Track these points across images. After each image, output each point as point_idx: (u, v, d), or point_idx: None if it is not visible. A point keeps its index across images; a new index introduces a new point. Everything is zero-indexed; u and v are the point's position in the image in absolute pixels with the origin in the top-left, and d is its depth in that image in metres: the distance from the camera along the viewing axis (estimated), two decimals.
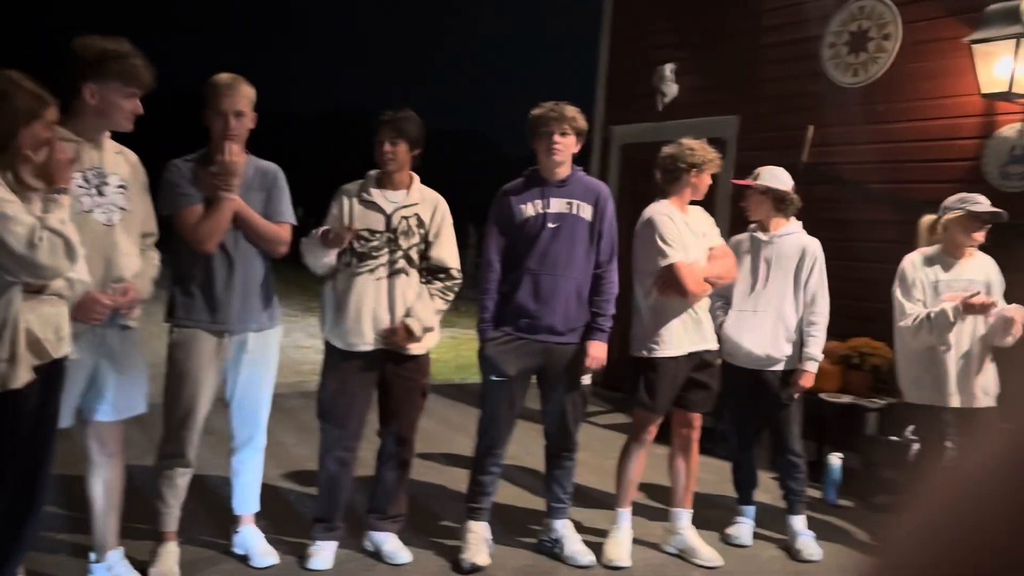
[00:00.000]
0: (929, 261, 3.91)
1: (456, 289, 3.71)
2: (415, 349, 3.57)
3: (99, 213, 2.89)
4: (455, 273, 3.68)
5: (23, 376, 2.44)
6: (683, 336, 3.77)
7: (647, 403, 3.81)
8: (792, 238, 4.05)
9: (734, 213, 6.40)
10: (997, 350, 3.84)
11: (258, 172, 3.41)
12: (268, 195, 3.40)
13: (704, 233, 3.89)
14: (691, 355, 3.81)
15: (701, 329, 3.83)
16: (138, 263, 3.01)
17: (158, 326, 3.31)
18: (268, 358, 3.46)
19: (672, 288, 3.70)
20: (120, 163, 3.02)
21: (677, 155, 3.85)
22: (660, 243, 3.71)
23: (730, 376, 4.06)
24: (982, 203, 3.82)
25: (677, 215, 3.82)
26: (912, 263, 3.92)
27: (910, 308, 3.84)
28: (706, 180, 3.86)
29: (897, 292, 3.92)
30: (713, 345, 3.89)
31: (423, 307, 3.57)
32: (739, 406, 4.17)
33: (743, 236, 4.17)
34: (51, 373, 2.61)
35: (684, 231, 3.80)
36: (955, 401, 3.80)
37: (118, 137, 3.07)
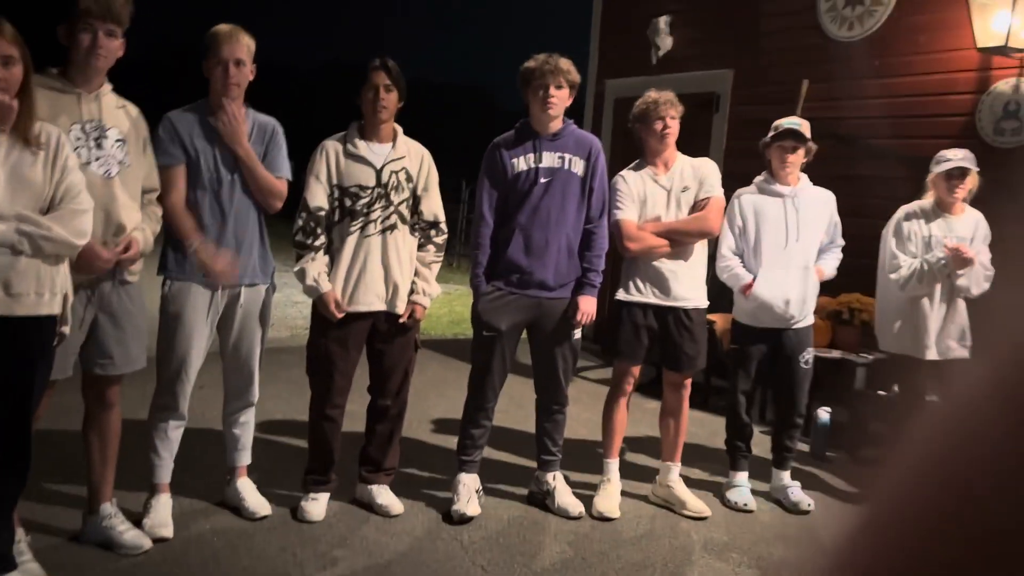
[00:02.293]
0: (924, 215, 3.97)
1: (445, 243, 3.70)
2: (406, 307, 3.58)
3: (97, 166, 2.86)
4: (444, 227, 3.68)
5: None
6: (644, 287, 3.80)
7: (612, 348, 3.91)
8: (815, 191, 4.03)
9: (727, 169, 6.38)
10: (971, 303, 3.97)
11: (256, 125, 3.38)
12: (265, 149, 3.37)
13: (686, 187, 3.85)
14: (658, 309, 3.81)
15: (667, 285, 3.80)
16: (138, 217, 3.00)
17: (153, 280, 3.30)
18: (261, 313, 3.45)
19: (615, 243, 3.76)
20: (120, 117, 2.99)
21: (631, 114, 3.86)
22: (612, 202, 3.78)
23: (748, 337, 4.04)
24: (952, 159, 3.88)
25: (638, 175, 3.83)
26: (908, 216, 3.98)
27: (903, 259, 3.92)
28: (659, 128, 3.76)
29: (892, 243, 3.99)
30: (688, 304, 3.84)
31: (426, 278, 3.59)
32: (750, 370, 4.09)
33: (753, 192, 4.03)
34: (20, 329, 2.55)
35: (647, 188, 3.81)
36: (931, 354, 3.94)
37: (123, 91, 3.04)
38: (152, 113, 3.20)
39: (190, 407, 3.40)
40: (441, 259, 3.70)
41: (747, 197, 4.03)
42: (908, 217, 3.98)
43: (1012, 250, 0.34)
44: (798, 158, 3.93)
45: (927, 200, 4.01)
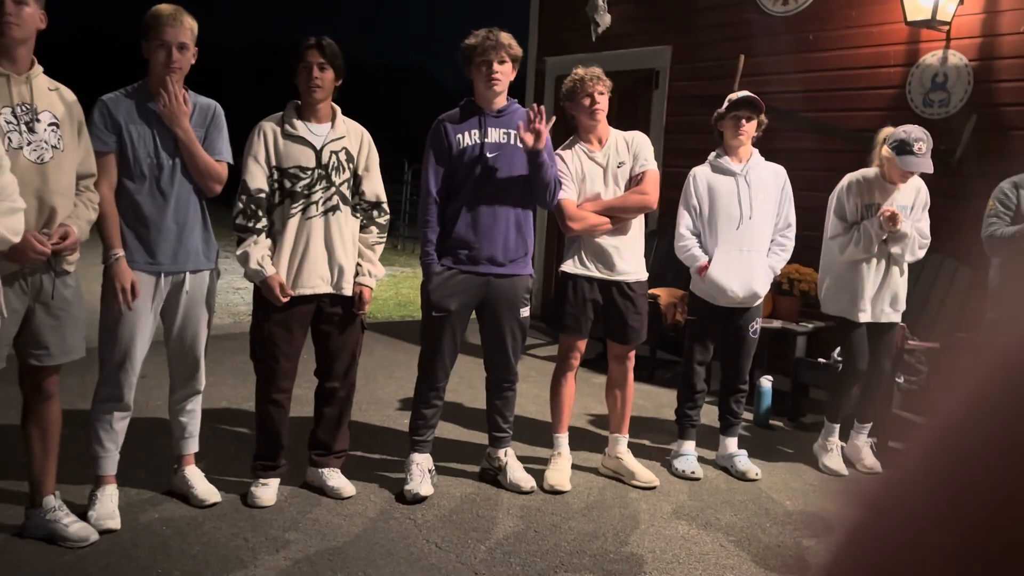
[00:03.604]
0: (867, 183, 4.06)
1: (388, 224, 3.68)
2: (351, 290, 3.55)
3: (29, 151, 2.77)
4: (386, 207, 3.66)
5: None
6: (587, 261, 3.86)
7: (558, 322, 3.95)
8: (767, 166, 4.10)
9: (668, 144, 6.45)
10: (909, 267, 4.16)
11: (198, 108, 3.31)
12: (206, 132, 3.31)
13: (621, 162, 3.88)
14: (602, 283, 3.86)
15: (610, 260, 3.85)
16: (71, 204, 2.91)
17: (94, 268, 3.22)
18: (206, 299, 3.40)
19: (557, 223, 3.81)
20: (54, 100, 2.90)
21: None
22: None
23: (703, 311, 4.12)
24: (917, 156, 3.84)
25: (573, 153, 3.87)
26: (851, 184, 4.08)
27: (843, 226, 4.04)
28: (588, 104, 3.79)
29: (833, 209, 4.10)
30: (630, 278, 3.89)
31: (371, 259, 3.58)
32: (706, 342, 4.18)
33: (705, 170, 4.08)
34: None
35: (584, 166, 3.85)
36: (865, 316, 4.11)
37: (55, 74, 2.94)
38: (82, 96, 3.11)
39: (135, 395, 3.34)
40: (384, 240, 3.68)
41: (701, 175, 4.09)
42: (851, 185, 4.08)
43: None
44: (751, 128, 4.01)
45: (871, 169, 4.10)
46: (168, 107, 3.17)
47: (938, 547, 0.28)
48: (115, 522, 3.19)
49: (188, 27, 3.19)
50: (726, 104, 4.03)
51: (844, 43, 5.57)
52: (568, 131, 3.99)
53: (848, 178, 4.12)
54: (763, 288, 4.08)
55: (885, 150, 3.97)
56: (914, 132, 3.89)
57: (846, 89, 5.56)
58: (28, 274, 2.83)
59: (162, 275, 3.26)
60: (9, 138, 2.71)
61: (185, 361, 3.43)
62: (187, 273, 3.30)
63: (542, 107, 3.53)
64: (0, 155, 2.57)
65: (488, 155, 3.62)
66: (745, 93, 4.06)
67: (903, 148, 3.87)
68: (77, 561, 2.97)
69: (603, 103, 3.82)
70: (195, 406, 3.51)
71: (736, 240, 4.00)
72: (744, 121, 3.98)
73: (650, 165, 3.90)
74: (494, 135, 3.63)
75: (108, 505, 3.24)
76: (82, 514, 3.16)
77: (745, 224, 4.00)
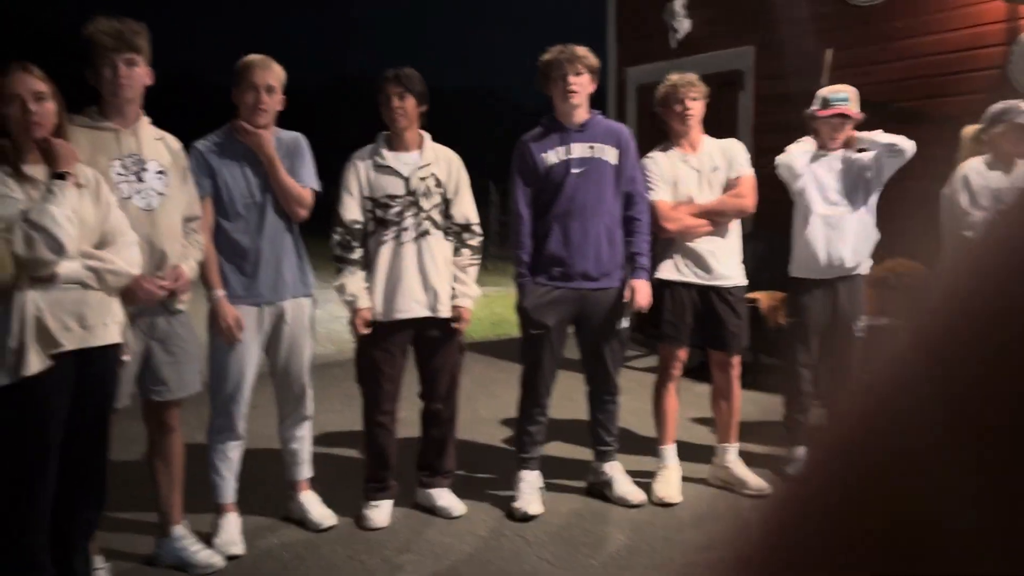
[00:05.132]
0: (986, 170, 3.88)
1: (481, 245, 3.73)
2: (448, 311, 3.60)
3: (138, 199, 2.93)
4: (477, 229, 3.70)
5: (34, 364, 2.49)
6: (682, 265, 3.82)
7: (656, 331, 3.92)
8: (847, 155, 4.03)
9: (758, 144, 6.34)
10: None
11: (283, 142, 3.44)
12: (291, 162, 3.43)
13: (716, 167, 3.85)
14: (700, 289, 3.81)
15: (706, 264, 3.81)
16: (179, 247, 3.07)
17: (202, 307, 3.37)
18: (306, 325, 3.51)
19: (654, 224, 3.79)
20: (159, 149, 3.06)
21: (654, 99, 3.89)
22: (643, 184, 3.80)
23: (803, 312, 4.03)
24: None
25: (667, 156, 3.86)
26: (976, 171, 3.87)
27: (976, 215, 3.82)
28: (679, 111, 3.79)
29: (963, 200, 3.87)
30: (728, 283, 3.85)
31: (464, 281, 3.62)
32: (809, 342, 4.06)
33: (800, 154, 4.03)
34: (90, 361, 2.66)
35: (678, 169, 3.83)
36: None
37: (162, 124, 3.11)
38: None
39: (247, 429, 3.47)
40: (478, 261, 3.72)
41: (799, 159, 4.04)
42: (973, 174, 3.90)
43: None
44: (847, 132, 3.98)
45: (982, 158, 3.92)
46: (252, 134, 3.29)
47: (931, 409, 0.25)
48: (238, 547, 3.32)
49: (276, 72, 3.34)
50: (817, 104, 3.96)
51: (936, 27, 5.37)
52: (660, 137, 3.98)
53: (970, 165, 3.86)
54: (865, 254, 4.01)
55: (996, 130, 3.80)
56: (1011, 104, 3.78)
57: (940, 75, 5.35)
58: (144, 314, 2.99)
59: (263, 306, 3.38)
60: (120, 188, 2.88)
61: (292, 389, 3.54)
62: (286, 302, 3.42)
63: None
64: (107, 193, 2.73)
65: (574, 171, 3.63)
66: (836, 96, 3.96)
67: (1009, 112, 3.74)
68: None
69: (695, 109, 3.80)
70: (305, 432, 3.62)
71: (836, 213, 3.97)
72: (839, 128, 3.96)
73: (746, 170, 3.89)
74: (578, 150, 3.65)
75: (231, 532, 3.37)
76: (208, 541, 3.29)
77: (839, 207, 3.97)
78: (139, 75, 2.96)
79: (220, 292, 3.31)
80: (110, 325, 2.70)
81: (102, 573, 2.95)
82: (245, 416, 3.43)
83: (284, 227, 3.42)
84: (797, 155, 4.01)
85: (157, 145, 3.06)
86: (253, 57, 3.35)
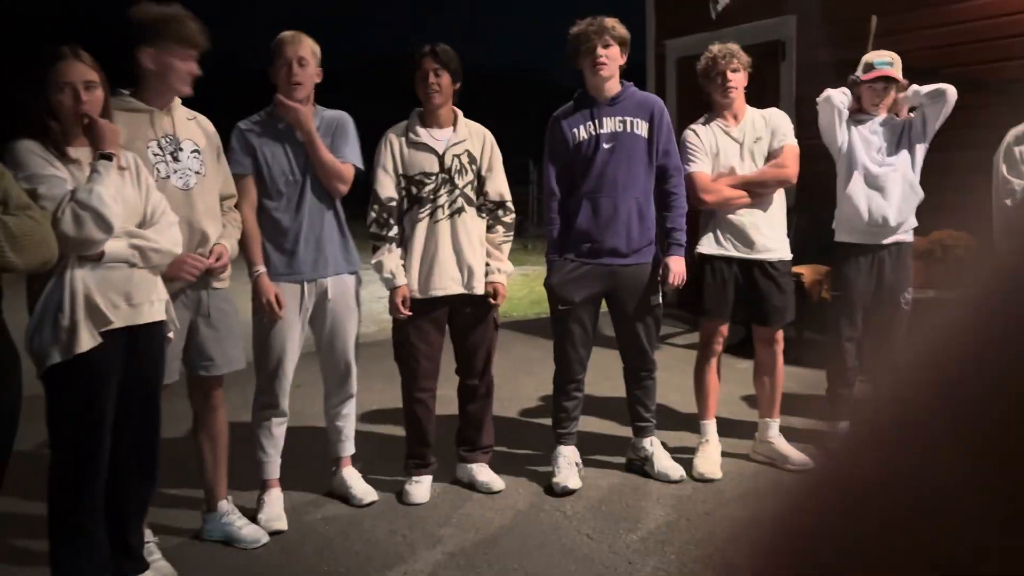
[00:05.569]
0: None
1: (514, 222, 3.72)
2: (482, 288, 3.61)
3: (176, 179, 2.98)
4: (510, 206, 3.70)
5: (86, 342, 2.55)
6: (725, 241, 3.77)
7: (698, 306, 3.89)
8: (889, 117, 3.96)
9: (801, 116, 6.21)
10: None
11: (324, 120, 3.47)
12: (332, 139, 3.45)
13: (758, 138, 3.79)
14: (742, 263, 3.76)
15: (748, 237, 3.76)
16: (219, 224, 3.12)
17: (245, 285, 3.42)
18: (350, 302, 3.54)
19: (689, 197, 3.73)
20: (193, 129, 3.10)
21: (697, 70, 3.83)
22: (684, 156, 3.76)
23: (848, 286, 3.95)
24: None
25: (709, 128, 3.82)
26: (1017, 139, 3.76)
27: (1016, 183, 3.71)
28: (720, 82, 3.74)
29: (1003, 168, 3.77)
30: (772, 256, 3.79)
31: (498, 257, 3.63)
32: (854, 316, 3.96)
33: (839, 93, 3.95)
34: (137, 339, 2.71)
35: (720, 141, 3.78)
36: None
37: (192, 104, 3.15)
38: (218, 123, 3.31)
39: (290, 406, 3.52)
40: (511, 238, 3.72)
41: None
42: (1018, 140, 3.78)
43: None
44: (890, 97, 3.89)
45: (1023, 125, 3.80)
46: (291, 110, 3.31)
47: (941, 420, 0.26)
48: (283, 523, 3.38)
49: (308, 45, 3.35)
50: (861, 69, 3.86)
51: None
52: (702, 110, 3.92)
53: (1012, 133, 3.76)
54: (910, 215, 3.91)
55: None
56: None
57: (992, 39, 5.19)
58: (187, 290, 3.04)
59: (304, 284, 3.41)
60: (157, 168, 2.92)
61: (337, 366, 3.58)
62: (328, 279, 3.45)
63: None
64: (146, 175, 2.77)
65: (604, 146, 3.60)
66: (881, 61, 3.85)
67: None
68: (251, 561, 3.16)
69: (736, 80, 3.75)
70: (349, 410, 3.66)
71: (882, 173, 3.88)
72: (881, 93, 3.87)
73: (789, 140, 3.82)
74: (609, 124, 3.61)
75: (275, 507, 3.43)
76: (252, 516, 3.36)
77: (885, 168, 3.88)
78: (193, 70, 3.01)
79: (261, 268, 3.35)
80: (155, 303, 2.76)
81: (152, 547, 3.02)
82: (288, 393, 3.48)
83: (325, 205, 3.44)
84: (836, 94, 3.93)
85: (190, 125, 3.10)
86: (285, 33, 3.38)
